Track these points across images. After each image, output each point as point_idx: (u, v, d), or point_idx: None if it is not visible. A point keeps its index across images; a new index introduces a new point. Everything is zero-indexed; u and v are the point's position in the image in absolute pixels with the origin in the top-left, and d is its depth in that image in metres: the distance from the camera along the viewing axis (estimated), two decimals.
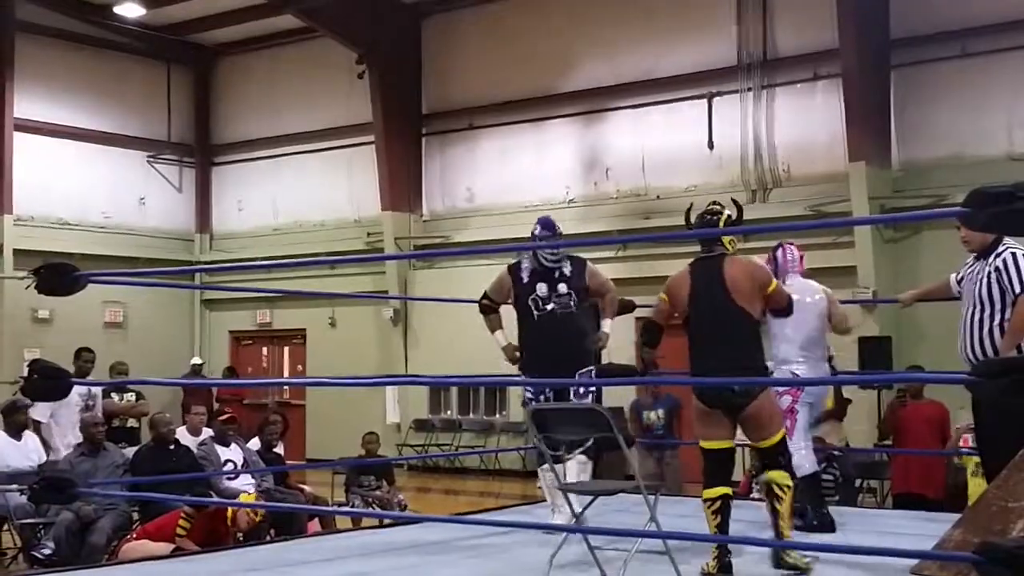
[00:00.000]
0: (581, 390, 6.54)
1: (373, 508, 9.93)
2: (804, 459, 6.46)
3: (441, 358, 15.83)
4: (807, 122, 14.55)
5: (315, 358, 18.85)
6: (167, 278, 16.19)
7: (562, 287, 6.61)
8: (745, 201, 14.62)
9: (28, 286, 5.77)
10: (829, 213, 13.67)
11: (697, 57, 15.37)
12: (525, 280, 6.66)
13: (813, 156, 14.42)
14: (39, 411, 9.69)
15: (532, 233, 6.79)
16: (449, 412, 17.45)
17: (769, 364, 6.88)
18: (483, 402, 17.01)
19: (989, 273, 5.73)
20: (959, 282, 6.11)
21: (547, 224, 6.74)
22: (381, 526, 7.65)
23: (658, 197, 15.57)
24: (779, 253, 6.85)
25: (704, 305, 5.41)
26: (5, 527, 8.71)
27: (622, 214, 15.74)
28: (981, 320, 5.73)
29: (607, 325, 6.81)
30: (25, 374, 5.88)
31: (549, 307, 6.59)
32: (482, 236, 15.93)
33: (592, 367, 6.61)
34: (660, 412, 9.88)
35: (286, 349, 19.89)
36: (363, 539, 6.87)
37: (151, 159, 20.05)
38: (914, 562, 5.06)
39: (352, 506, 9.93)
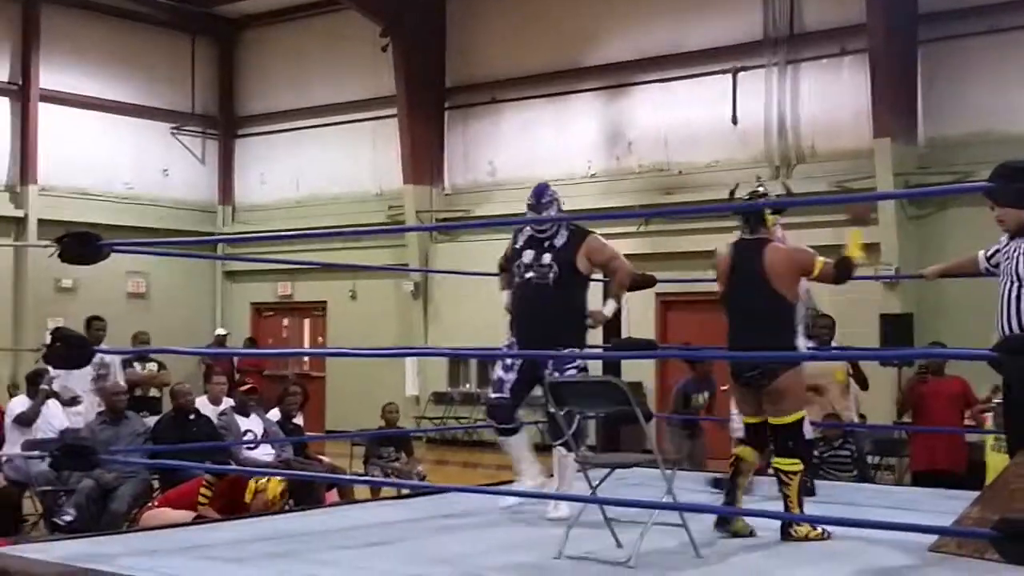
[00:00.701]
0: (556, 373, 6.06)
1: (392, 479, 9.97)
2: None
3: (461, 331, 15.86)
4: (832, 98, 14.44)
5: (335, 330, 18.91)
6: (189, 248, 16.24)
7: (546, 257, 6.22)
8: (769, 176, 14.65)
9: (52, 254, 5.80)
10: (853, 189, 13.58)
11: (722, 31, 15.26)
12: (519, 245, 6.39)
13: (838, 132, 14.31)
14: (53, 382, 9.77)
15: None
16: (468, 385, 17.48)
17: None
18: None
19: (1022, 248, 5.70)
20: (989, 259, 6.06)
21: (537, 191, 6.39)
22: (399, 497, 7.70)
23: (680, 172, 15.51)
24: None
25: (741, 286, 5.54)
26: (27, 493, 8.80)
27: (644, 189, 15.69)
28: (1016, 296, 5.70)
29: (610, 306, 6.33)
30: (48, 342, 5.92)
31: (528, 276, 6.24)
32: (504, 210, 15.88)
33: (573, 347, 6.11)
34: (706, 395, 9.94)
35: (307, 321, 19.97)
36: (381, 509, 6.91)
37: (175, 130, 20.11)
38: (932, 538, 5.05)
39: (371, 477, 9.97)
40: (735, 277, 5.57)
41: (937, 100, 13.73)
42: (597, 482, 5.42)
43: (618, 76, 16.30)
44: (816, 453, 9.01)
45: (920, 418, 9.54)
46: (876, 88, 13.45)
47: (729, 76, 15.18)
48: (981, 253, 6.18)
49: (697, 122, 15.41)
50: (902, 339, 11.79)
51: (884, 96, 13.40)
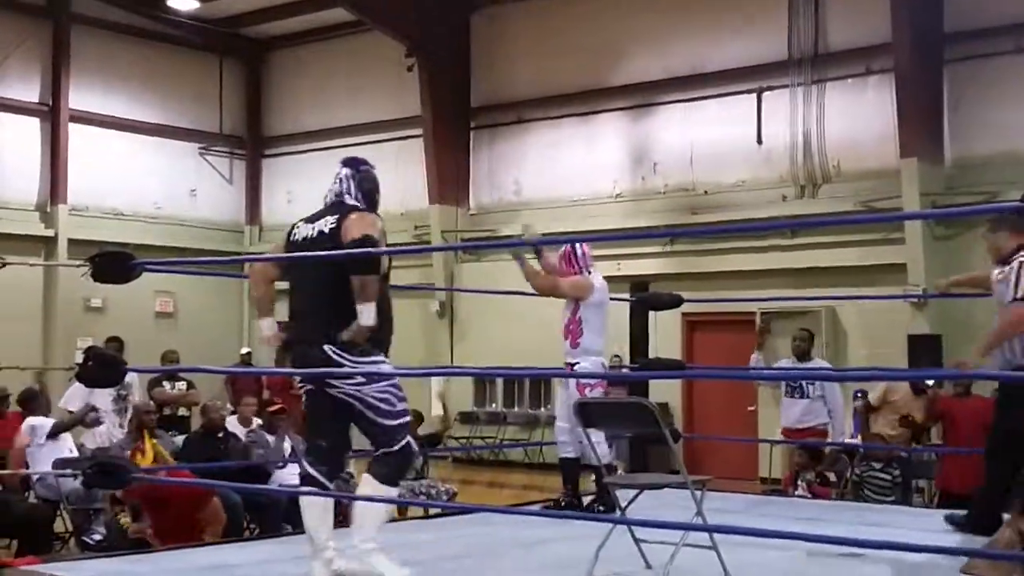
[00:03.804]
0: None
1: (420, 498, 9.94)
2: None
3: (487, 351, 15.88)
4: (858, 117, 14.41)
5: None
6: (218, 268, 16.34)
7: None
8: (794, 196, 14.65)
9: (84, 274, 5.85)
10: (879, 210, 13.53)
11: (747, 51, 15.27)
12: None
13: (863, 152, 14.27)
14: (73, 402, 9.83)
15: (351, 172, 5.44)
16: (494, 405, 17.49)
17: (583, 357, 6.84)
18: (528, 395, 17.03)
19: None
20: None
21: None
22: (427, 516, 7.71)
23: (706, 192, 15.50)
24: (580, 248, 6.96)
25: None
26: (59, 512, 8.85)
27: (670, 209, 15.69)
28: None
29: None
30: (79, 361, 5.97)
31: None
32: None
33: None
34: None
35: None
36: (408, 529, 6.92)
37: (203, 151, 20.27)
38: (964, 560, 5.03)
39: (399, 496, 9.94)
40: None
41: (963, 120, 13.67)
42: (626, 503, 5.42)
43: (644, 96, 16.33)
44: (857, 472, 8.99)
45: (950, 438, 9.46)
46: (902, 108, 13.42)
47: (754, 96, 15.18)
48: (994, 271, 6.18)
49: (722, 142, 15.40)
50: (930, 360, 11.71)
51: (910, 116, 13.36)
